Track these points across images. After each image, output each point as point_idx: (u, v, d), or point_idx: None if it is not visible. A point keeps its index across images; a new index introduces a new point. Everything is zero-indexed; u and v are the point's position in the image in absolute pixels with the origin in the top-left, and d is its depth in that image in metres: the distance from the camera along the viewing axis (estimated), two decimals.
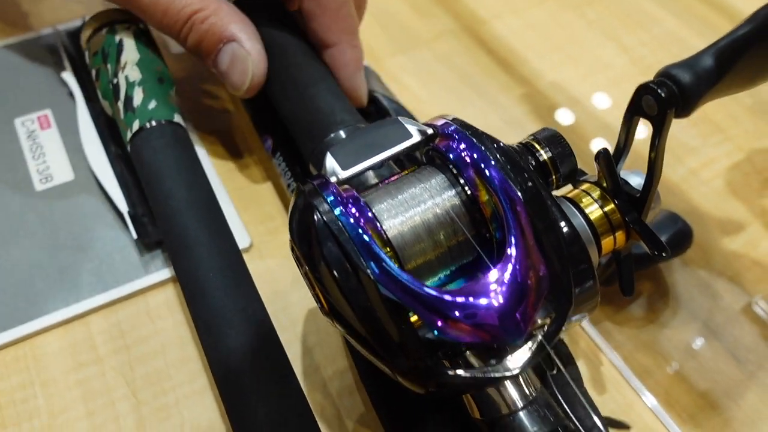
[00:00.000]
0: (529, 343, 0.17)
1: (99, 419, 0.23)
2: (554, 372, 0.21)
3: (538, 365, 0.19)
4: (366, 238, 0.17)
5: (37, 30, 0.35)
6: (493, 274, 0.17)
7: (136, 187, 0.28)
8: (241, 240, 0.27)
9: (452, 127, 0.19)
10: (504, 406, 0.18)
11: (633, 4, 0.39)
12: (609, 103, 0.34)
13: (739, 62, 0.21)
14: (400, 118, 0.20)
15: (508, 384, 0.18)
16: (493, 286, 0.17)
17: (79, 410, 0.24)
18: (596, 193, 0.22)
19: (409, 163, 0.22)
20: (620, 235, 0.21)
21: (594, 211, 0.21)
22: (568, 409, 0.20)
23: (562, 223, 0.19)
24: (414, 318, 0.17)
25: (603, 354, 0.26)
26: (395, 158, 0.19)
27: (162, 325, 0.26)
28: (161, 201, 0.24)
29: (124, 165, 0.29)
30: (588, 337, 0.26)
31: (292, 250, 0.19)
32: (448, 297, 0.17)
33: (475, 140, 0.18)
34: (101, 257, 0.27)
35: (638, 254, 0.23)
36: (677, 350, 0.26)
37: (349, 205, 0.17)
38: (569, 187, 0.23)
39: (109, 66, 0.27)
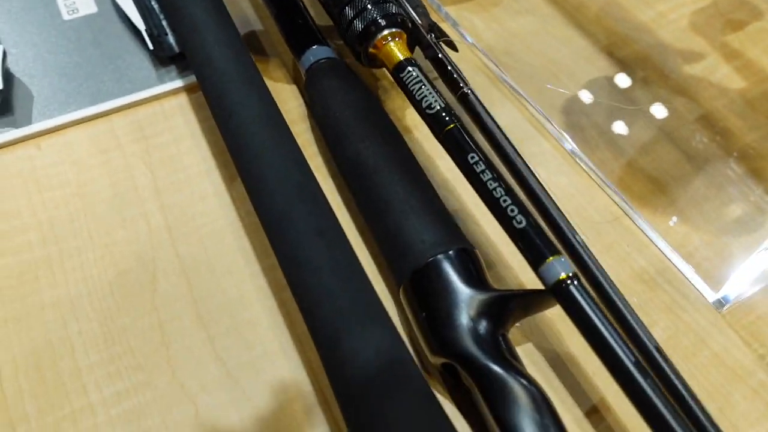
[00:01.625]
0: None
1: (121, 188, 0.27)
2: None
3: None
4: None
5: None
6: None
7: (156, 10, 0.31)
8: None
9: None
10: None
11: None
12: None
13: None
14: None
15: None
16: None
17: (103, 182, 0.27)
18: None
19: None
20: None
21: None
22: None
23: None
24: None
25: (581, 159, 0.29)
26: None
27: (175, 122, 0.29)
28: (175, 8, 0.28)
29: None
30: (586, 168, 0.29)
31: None
32: None
33: None
34: (121, 69, 0.31)
35: None
36: (634, 147, 0.29)
37: None
38: None
39: None
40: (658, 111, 0.30)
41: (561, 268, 0.20)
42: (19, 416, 0.22)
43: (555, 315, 0.24)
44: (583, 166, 0.29)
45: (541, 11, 0.34)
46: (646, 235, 0.27)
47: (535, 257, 0.21)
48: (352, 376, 0.19)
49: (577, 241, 0.21)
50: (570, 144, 0.29)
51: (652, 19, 0.34)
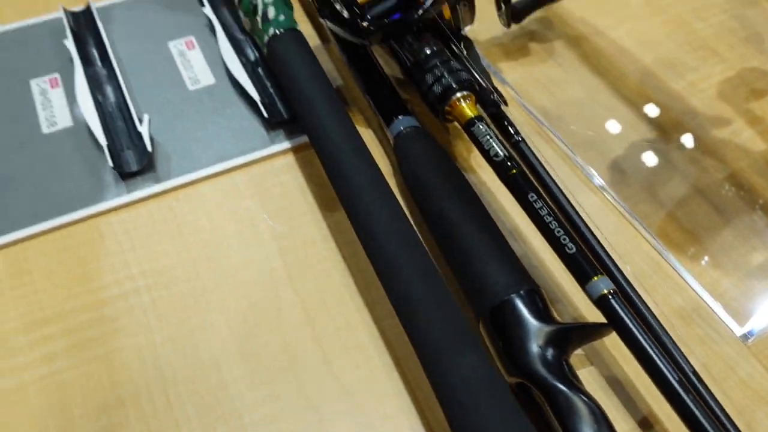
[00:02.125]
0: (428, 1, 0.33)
1: (245, 233, 0.33)
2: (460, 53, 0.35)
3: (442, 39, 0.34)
4: None
5: None
6: None
7: (264, 81, 0.37)
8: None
9: None
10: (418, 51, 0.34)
11: None
12: (625, 33, 0.43)
13: None
14: None
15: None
16: None
17: (231, 228, 0.33)
18: None
19: None
20: None
21: None
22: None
23: None
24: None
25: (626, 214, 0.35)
26: None
27: (286, 178, 0.35)
28: (292, 85, 0.34)
29: (252, 68, 0.39)
30: (620, 211, 0.35)
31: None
32: None
33: None
34: (239, 132, 0.37)
35: None
36: (670, 201, 0.35)
37: None
38: None
39: None
40: (691, 169, 0.36)
41: (603, 285, 0.26)
42: (183, 418, 0.28)
43: (607, 344, 0.29)
44: (627, 216, 0.34)
45: (588, 81, 0.40)
46: (683, 278, 0.32)
47: (583, 277, 0.26)
48: (454, 387, 0.24)
49: (615, 265, 0.27)
50: (615, 198, 0.35)
51: (684, 89, 0.40)
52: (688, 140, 0.37)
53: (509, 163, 0.30)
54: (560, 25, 0.43)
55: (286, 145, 0.36)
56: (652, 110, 0.39)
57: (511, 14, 0.39)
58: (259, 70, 0.39)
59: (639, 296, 0.29)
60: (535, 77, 0.40)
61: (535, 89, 0.40)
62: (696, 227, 0.34)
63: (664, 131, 0.38)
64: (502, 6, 0.39)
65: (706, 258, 0.33)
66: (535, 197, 0.29)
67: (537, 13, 0.42)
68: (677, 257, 0.32)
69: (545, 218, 0.29)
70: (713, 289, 0.31)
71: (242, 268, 0.32)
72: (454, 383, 0.24)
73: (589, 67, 0.41)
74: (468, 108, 0.33)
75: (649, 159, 0.36)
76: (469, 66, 0.34)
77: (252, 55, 0.40)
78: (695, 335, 0.30)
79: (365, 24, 0.33)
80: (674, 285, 0.32)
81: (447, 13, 0.35)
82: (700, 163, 0.36)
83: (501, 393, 0.24)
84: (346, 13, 0.33)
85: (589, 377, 0.29)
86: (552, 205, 0.30)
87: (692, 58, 0.41)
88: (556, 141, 0.37)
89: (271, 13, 0.36)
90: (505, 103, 0.34)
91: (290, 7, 0.37)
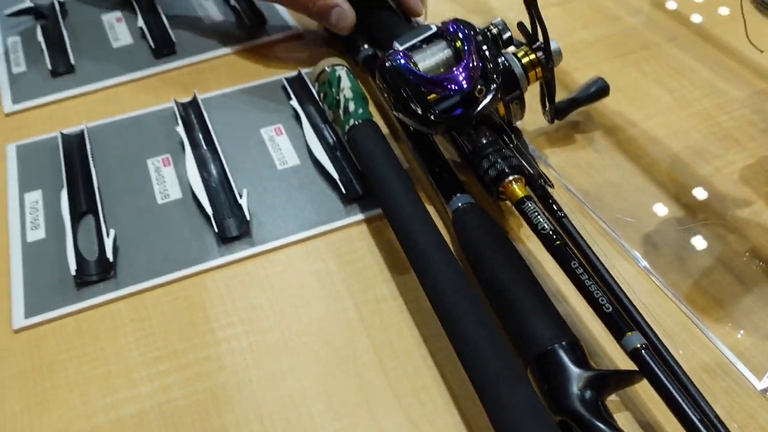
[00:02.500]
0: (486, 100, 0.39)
1: (326, 290, 0.39)
2: (511, 142, 0.42)
3: (496, 130, 0.41)
4: (403, 61, 0.40)
5: (267, 77, 0.53)
6: (458, 70, 0.39)
7: (342, 163, 0.44)
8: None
9: (450, 21, 0.41)
10: (475, 140, 0.40)
11: (677, 59, 0.54)
12: (657, 125, 0.49)
13: None
14: (428, 23, 0.42)
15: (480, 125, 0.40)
16: (459, 73, 0.39)
17: (314, 285, 0.40)
18: (525, 50, 0.43)
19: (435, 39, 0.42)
20: (538, 71, 0.43)
21: (524, 58, 0.42)
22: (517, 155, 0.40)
23: (501, 59, 0.41)
24: (431, 97, 0.39)
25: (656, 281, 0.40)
26: (428, 40, 0.41)
27: (360, 245, 0.42)
28: (370, 166, 0.41)
29: (331, 152, 0.46)
30: (660, 285, 0.40)
31: (377, 80, 0.41)
32: (440, 80, 0.39)
33: (459, 24, 0.40)
34: (319, 205, 0.43)
35: (572, 97, 0.47)
36: (698, 271, 0.39)
37: (401, 54, 0.40)
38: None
39: (333, 89, 0.44)
40: (716, 244, 0.41)
41: (636, 339, 0.31)
42: None
43: (639, 392, 0.34)
44: (658, 284, 0.39)
45: (623, 166, 0.46)
46: (708, 338, 0.36)
47: (618, 332, 0.31)
48: (508, 412, 0.29)
49: (646, 323, 0.32)
50: (648, 268, 0.40)
51: (710, 173, 0.45)
52: (713, 218, 0.42)
53: (554, 236, 0.36)
54: (598, 117, 0.49)
55: (360, 216, 0.43)
56: (681, 192, 0.44)
57: (555, 112, 0.46)
58: (338, 153, 0.46)
59: (668, 350, 0.33)
60: (576, 162, 0.46)
61: (576, 172, 0.45)
62: (720, 294, 0.38)
63: (692, 210, 0.43)
64: (547, 105, 0.45)
65: (729, 321, 0.37)
66: (577, 264, 0.35)
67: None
68: (703, 320, 0.37)
69: (585, 282, 0.34)
70: (735, 348, 0.36)
71: (324, 318, 0.38)
72: (509, 409, 0.29)
73: (624, 154, 0.47)
74: (519, 189, 0.39)
75: (679, 234, 0.42)
76: (519, 153, 0.41)
77: (331, 140, 0.47)
78: (719, 387, 0.34)
79: (433, 117, 0.39)
80: (700, 343, 0.36)
81: (501, 109, 0.42)
82: (724, 239, 0.41)
83: (548, 420, 0.29)
84: (417, 108, 0.39)
85: (623, 420, 0.33)
86: (591, 271, 0.35)
87: (717, 147, 0.47)
88: (595, 218, 0.43)
89: (351, 106, 0.43)
90: (551, 185, 0.40)
91: (367, 101, 0.44)
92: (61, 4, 0.62)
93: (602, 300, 0.33)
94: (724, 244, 0.41)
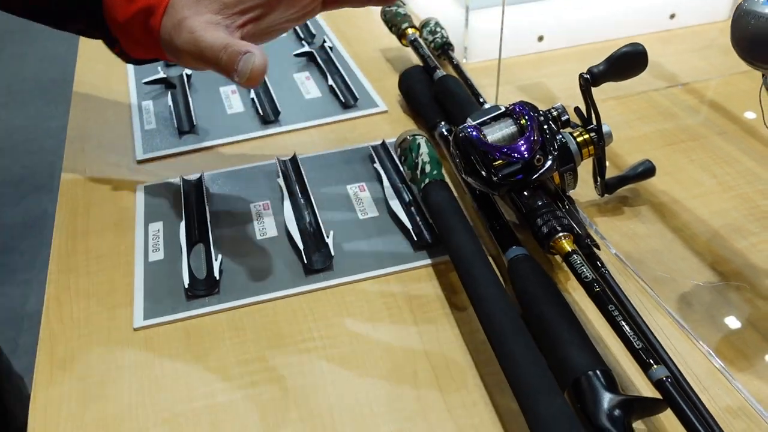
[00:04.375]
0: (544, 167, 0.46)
1: (394, 318, 0.46)
2: (564, 207, 0.48)
3: (550, 195, 0.48)
4: (474, 132, 0.47)
5: (356, 144, 0.62)
6: (521, 142, 0.46)
7: (415, 216, 0.52)
8: None
9: (517, 103, 0.48)
10: (532, 202, 0.46)
11: (724, 150, 0.60)
12: (699, 204, 0.54)
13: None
14: (497, 105, 0.49)
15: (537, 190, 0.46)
16: (522, 144, 0.45)
17: (384, 316, 0.46)
18: (580, 130, 0.50)
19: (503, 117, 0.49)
20: (591, 148, 0.49)
21: (579, 137, 0.49)
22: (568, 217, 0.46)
23: (559, 136, 0.48)
24: (496, 162, 0.46)
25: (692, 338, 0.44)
26: (496, 117, 0.48)
27: (426, 285, 0.48)
28: (439, 218, 0.48)
29: (406, 207, 0.53)
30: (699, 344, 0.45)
31: (451, 148, 0.49)
32: (505, 149, 0.45)
33: (525, 105, 0.47)
34: (393, 249, 0.50)
35: (621, 175, 0.53)
36: (727, 329, 0.44)
37: (473, 127, 0.45)
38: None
39: (413, 153, 0.52)
40: (745, 306, 0.45)
41: (661, 372, 0.36)
42: None
43: (664, 421, 0.38)
44: (689, 335, 0.44)
45: (665, 235, 0.51)
46: (733, 385, 0.41)
47: (646, 365, 0.36)
48: (546, 418, 0.34)
49: (671, 360, 0.37)
50: (680, 321, 0.44)
51: (745, 248, 0.50)
52: (745, 285, 0.47)
53: (595, 284, 0.42)
54: (646, 194, 0.55)
55: (428, 261, 0.50)
56: (717, 261, 0.49)
57: (605, 186, 0.52)
58: (412, 209, 0.54)
59: (690, 386, 0.38)
60: (622, 230, 0.52)
61: (621, 239, 0.51)
62: (746, 348, 0.42)
63: (726, 277, 0.48)
64: (598, 180, 0.52)
65: (753, 371, 0.41)
66: (614, 308, 0.40)
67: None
68: (729, 368, 0.41)
69: (620, 322, 0.39)
70: (757, 394, 0.40)
71: (390, 340, 0.44)
72: (546, 415, 0.34)
73: (668, 227, 0.52)
74: (567, 244, 0.45)
75: (712, 296, 0.46)
76: (570, 216, 0.47)
77: (407, 197, 0.55)
78: (739, 427, 0.38)
79: (496, 180, 0.46)
80: (724, 388, 0.40)
81: (557, 178, 0.49)
82: (753, 302, 0.46)
83: (579, 428, 0.34)
84: (483, 172, 0.46)
85: None
86: (626, 315, 0.40)
87: (754, 226, 0.52)
88: (636, 278, 0.48)
89: (428, 168, 0.51)
90: (597, 247, 0.46)
91: (440, 165, 0.52)
92: (188, 77, 0.73)
93: (633, 338, 0.38)
94: (754, 308, 0.45)
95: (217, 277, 0.48)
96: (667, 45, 0.78)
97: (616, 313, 0.40)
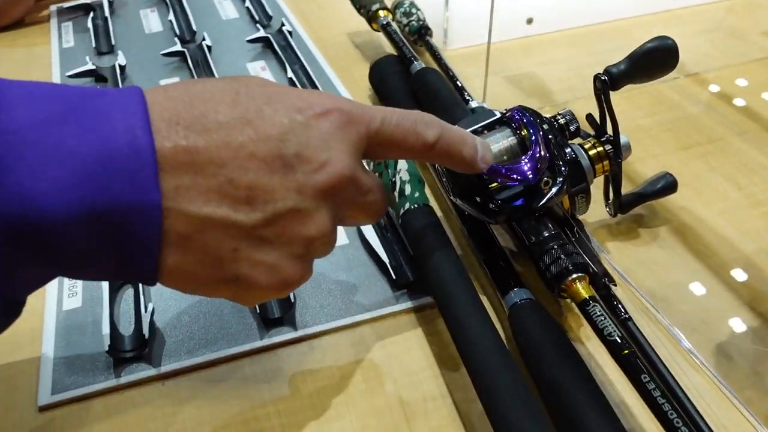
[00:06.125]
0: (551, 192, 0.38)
1: (370, 382, 0.37)
2: (573, 235, 0.39)
3: (558, 222, 0.39)
4: None
5: None
6: (525, 160, 0.37)
7: (393, 246, 0.42)
8: None
9: (515, 108, 0.39)
10: (537, 233, 0.38)
11: (747, 155, 0.51)
12: (725, 223, 0.46)
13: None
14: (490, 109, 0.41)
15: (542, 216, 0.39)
16: (525, 163, 0.37)
17: (358, 376, 0.37)
18: (592, 142, 0.41)
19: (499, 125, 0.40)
20: (606, 164, 0.41)
21: (591, 150, 0.41)
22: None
23: (568, 149, 0.40)
24: (492, 185, 0.37)
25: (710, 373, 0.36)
26: (491, 126, 0.39)
27: (407, 335, 0.39)
28: (423, 253, 0.39)
29: (382, 234, 0.44)
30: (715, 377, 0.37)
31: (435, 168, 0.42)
32: (504, 170, 0.37)
33: (525, 112, 0.39)
34: (367, 290, 0.41)
35: (638, 192, 0.45)
36: (762, 380, 0.36)
37: None
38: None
39: (389, 170, 0.43)
40: None
41: None
42: None
43: None
44: (733, 400, 0.36)
45: (691, 266, 0.43)
46: None
47: None
48: None
49: None
50: (720, 380, 0.36)
51: None
52: None
53: (623, 343, 0.33)
54: (662, 212, 0.47)
55: (409, 304, 0.40)
56: (756, 299, 0.41)
57: (619, 205, 0.43)
58: (388, 235, 0.44)
59: None
60: (639, 258, 0.44)
61: (640, 270, 0.43)
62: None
63: (763, 317, 0.39)
64: (611, 198, 0.43)
65: None
66: (648, 378, 0.31)
67: None
68: (764, 423, 0.33)
69: (658, 399, 0.31)
70: None
71: (366, 416, 0.35)
72: None
73: (692, 252, 0.44)
74: (583, 289, 0.36)
75: (746, 342, 0.38)
76: (581, 246, 0.38)
77: (382, 222, 0.45)
78: None
79: (493, 206, 0.37)
80: None
81: (565, 201, 0.40)
82: None
83: None
84: (477, 197, 0.37)
85: None
86: (660, 383, 0.32)
87: None
88: (662, 322, 0.40)
89: (408, 189, 0.41)
90: (614, 284, 0.37)
91: (423, 184, 0.43)
92: (121, 68, 0.63)
93: (678, 422, 0.30)
94: None
95: (146, 333, 0.38)
96: (669, 28, 0.69)
97: (652, 386, 0.31)
